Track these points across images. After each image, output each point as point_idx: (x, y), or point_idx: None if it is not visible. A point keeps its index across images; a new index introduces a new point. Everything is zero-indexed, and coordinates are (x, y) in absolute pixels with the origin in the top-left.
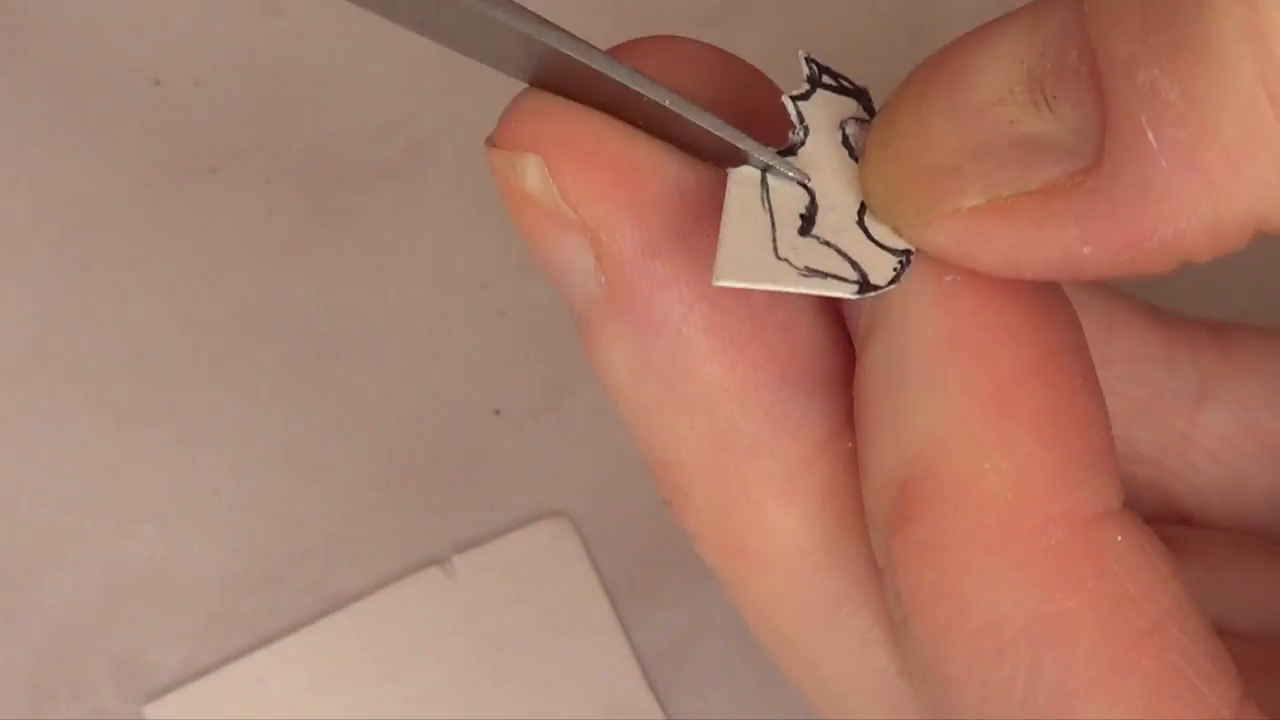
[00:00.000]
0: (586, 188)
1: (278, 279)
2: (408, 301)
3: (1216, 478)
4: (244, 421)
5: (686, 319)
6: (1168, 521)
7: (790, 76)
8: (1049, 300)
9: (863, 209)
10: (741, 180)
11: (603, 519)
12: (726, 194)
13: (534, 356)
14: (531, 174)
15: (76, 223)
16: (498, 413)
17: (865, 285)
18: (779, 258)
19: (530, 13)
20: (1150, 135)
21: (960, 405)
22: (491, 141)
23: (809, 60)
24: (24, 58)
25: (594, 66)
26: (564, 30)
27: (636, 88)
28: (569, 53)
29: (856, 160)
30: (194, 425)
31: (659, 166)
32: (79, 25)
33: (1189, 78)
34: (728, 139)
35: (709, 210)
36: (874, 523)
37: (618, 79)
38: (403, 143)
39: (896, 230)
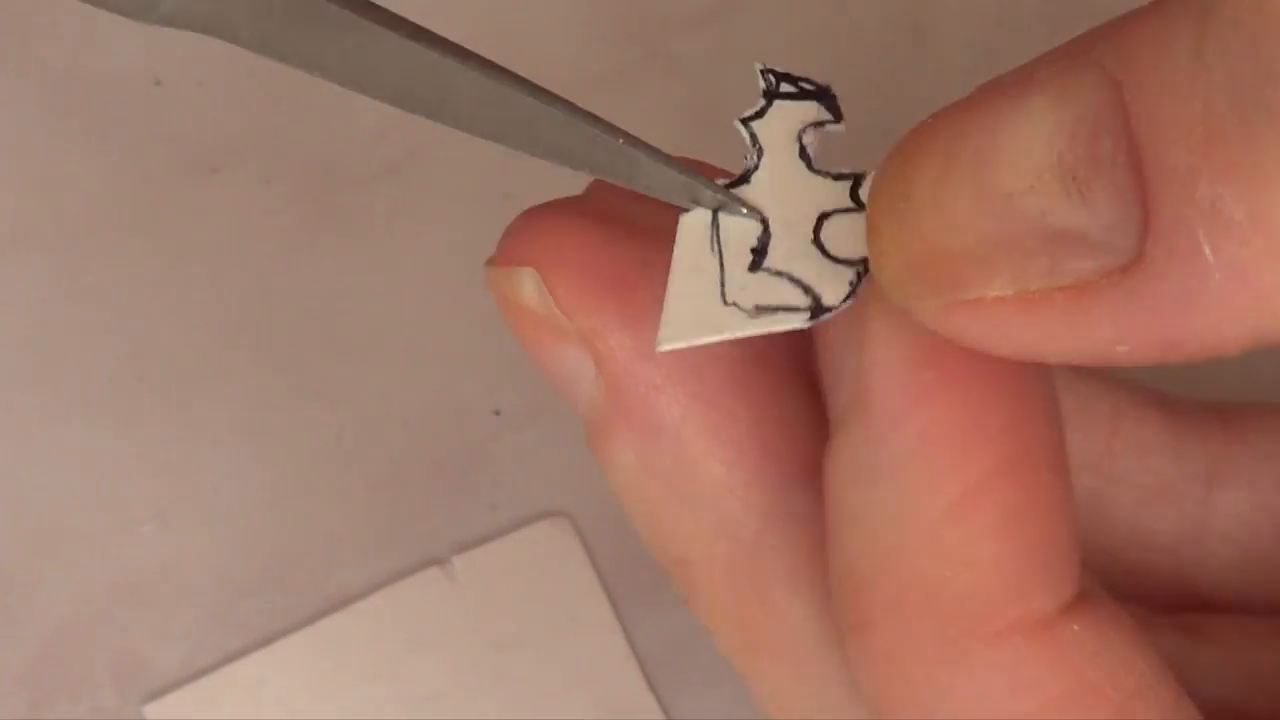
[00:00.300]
0: (580, 298)
1: (278, 279)
2: (408, 301)
3: (1233, 560)
4: (244, 421)
5: (684, 420)
6: (1188, 608)
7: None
8: (1029, 387)
9: (819, 225)
10: (690, 228)
11: (603, 519)
12: (675, 246)
13: None
14: (528, 287)
15: (76, 223)
16: (498, 413)
17: (817, 309)
18: (727, 303)
19: (489, 61)
20: (1207, 250)
21: (926, 510)
22: (491, 260)
23: (765, 72)
24: (24, 58)
25: (553, 109)
26: (523, 78)
27: (592, 127)
28: (528, 96)
29: (814, 170)
30: (194, 425)
31: (648, 274)
32: (79, 25)
33: (1258, 201)
34: (679, 175)
35: None
36: (836, 613)
37: (574, 119)
38: (403, 143)
39: (910, 311)
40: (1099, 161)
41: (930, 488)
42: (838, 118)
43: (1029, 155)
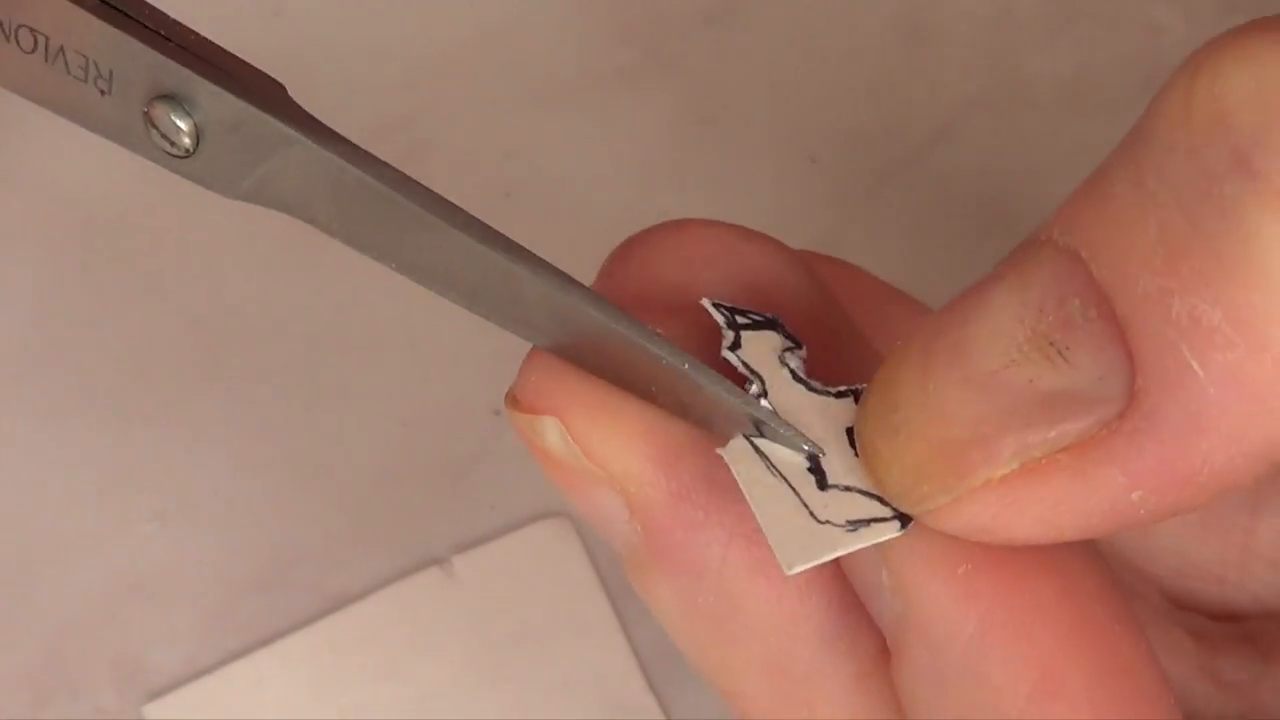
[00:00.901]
0: (613, 443)
1: (277, 279)
2: (408, 301)
3: (1277, 583)
4: (244, 421)
5: (725, 559)
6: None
7: (791, 77)
8: (1064, 553)
9: (850, 439)
10: (739, 457)
11: None
12: (735, 475)
13: None
14: (551, 436)
15: (76, 223)
16: (498, 413)
17: (904, 516)
18: (820, 521)
19: (557, 270)
20: (1195, 364)
21: (1011, 702)
22: (511, 399)
23: (716, 306)
24: None
25: (619, 329)
26: (591, 290)
27: (660, 348)
28: (598, 315)
29: (814, 391)
30: (194, 425)
31: (669, 419)
32: None
33: (1233, 299)
34: (735, 402)
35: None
36: None
37: (643, 339)
38: (403, 143)
39: (922, 517)
40: (1071, 323)
41: (1008, 679)
42: (798, 344)
43: (1002, 334)
